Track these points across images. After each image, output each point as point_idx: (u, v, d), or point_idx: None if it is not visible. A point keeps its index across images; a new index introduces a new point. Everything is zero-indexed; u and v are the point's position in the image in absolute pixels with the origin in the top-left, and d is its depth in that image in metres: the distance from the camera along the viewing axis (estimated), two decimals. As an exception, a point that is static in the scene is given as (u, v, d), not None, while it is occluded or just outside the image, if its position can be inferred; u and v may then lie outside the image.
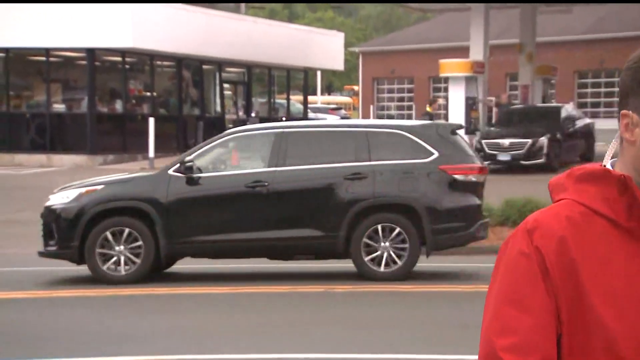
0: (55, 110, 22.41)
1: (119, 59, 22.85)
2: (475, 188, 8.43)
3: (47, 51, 22.11)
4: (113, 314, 7.27)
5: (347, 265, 9.56)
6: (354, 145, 8.35)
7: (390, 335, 6.37)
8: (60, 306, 7.59)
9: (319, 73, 41.66)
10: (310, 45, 29.00)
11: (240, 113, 27.45)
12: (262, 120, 27.49)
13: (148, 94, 23.95)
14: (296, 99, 31.62)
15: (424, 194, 8.24)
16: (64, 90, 22.91)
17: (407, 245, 8.23)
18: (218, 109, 26.78)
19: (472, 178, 8.39)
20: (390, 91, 47.08)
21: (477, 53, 22.37)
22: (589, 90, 40.74)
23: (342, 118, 34.17)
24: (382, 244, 8.26)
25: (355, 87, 63.35)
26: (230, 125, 27.04)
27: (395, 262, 8.28)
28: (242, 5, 29.18)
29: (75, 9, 21.43)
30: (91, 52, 21.88)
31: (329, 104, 42.64)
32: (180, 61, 24.64)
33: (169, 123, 24.46)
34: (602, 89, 40.53)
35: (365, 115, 45.90)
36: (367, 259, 8.25)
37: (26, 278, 8.99)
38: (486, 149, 19.15)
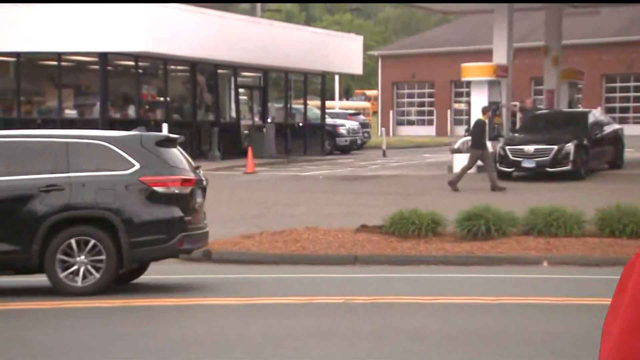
0: (67, 116, 22.58)
1: (131, 63, 23.01)
2: (178, 200, 8.47)
3: (58, 55, 22.30)
4: (125, 324, 7.31)
5: (367, 275, 9.55)
6: (52, 156, 8.35)
7: (414, 346, 6.37)
8: (70, 317, 7.64)
9: (337, 77, 41.73)
10: (328, 49, 29.05)
11: (256, 119, 27.53)
12: (278, 126, 27.68)
13: (161, 99, 24.09)
14: (313, 104, 31.67)
15: (122, 206, 8.29)
16: (76, 95, 23.10)
17: (104, 258, 8.26)
18: (233, 114, 26.88)
19: (175, 190, 8.43)
20: (411, 96, 47.07)
21: (500, 56, 22.32)
22: (617, 94, 40.51)
23: (361, 124, 34.17)
24: (78, 258, 8.27)
25: (367, 92, 63.31)
26: (246, 131, 27.21)
27: (92, 276, 8.29)
28: (258, 8, 29.30)
29: (88, 12, 21.60)
30: (103, 57, 22.04)
31: (347, 109, 42.66)
32: (195, 65, 24.76)
33: (183, 129, 24.56)
34: (631, 94, 40.28)
35: (385, 121, 45.92)
36: (62, 273, 8.25)
37: (37, 288, 9.06)
38: (510, 156, 19.07)
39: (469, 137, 21.96)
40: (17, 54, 22.53)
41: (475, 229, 10.88)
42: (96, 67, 22.42)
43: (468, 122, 23.18)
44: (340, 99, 46.30)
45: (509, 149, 19.21)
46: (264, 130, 26.85)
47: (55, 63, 22.52)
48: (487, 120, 17.67)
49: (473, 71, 21.84)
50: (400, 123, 47.13)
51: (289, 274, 9.70)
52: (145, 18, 21.67)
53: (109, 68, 22.63)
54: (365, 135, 34.54)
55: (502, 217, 11.00)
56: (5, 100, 23.44)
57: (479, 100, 21.71)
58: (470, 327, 7.01)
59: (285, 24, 30.53)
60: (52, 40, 21.79)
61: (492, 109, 21.82)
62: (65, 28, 21.70)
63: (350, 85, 68.96)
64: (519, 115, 24.93)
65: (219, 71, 25.92)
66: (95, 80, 22.52)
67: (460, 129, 40.70)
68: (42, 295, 8.41)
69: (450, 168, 21.49)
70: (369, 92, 62.99)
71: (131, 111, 23.10)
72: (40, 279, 9.37)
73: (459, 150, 21.50)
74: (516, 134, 20.44)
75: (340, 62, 29.83)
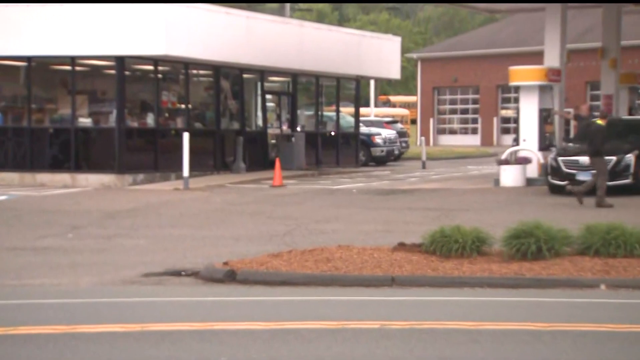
0: (81, 125, 22.84)
1: (150, 67, 23.22)
2: None
3: (72, 60, 22.58)
4: (142, 351, 7.34)
5: (405, 297, 9.51)
6: None
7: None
8: (82, 343, 7.69)
9: (372, 82, 41.80)
10: (363, 51, 29.11)
11: (285, 127, 27.63)
12: (308, 135, 27.74)
13: (182, 106, 24.28)
14: (347, 111, 31.73)
15: None
16: (91, 102, 23.36)
17: None
18: (260, 122, 27.00)
19: None
20: (453, 102, 46.99)
21: (552, 58, 22.20)
22: (683, 100, 40.02)
23: (399, 132, 34.13)
24: None
25: (392, 98, 63.06)
26: (273, 141, 27.32)
27: None
28: (287, 7, 29.47)
29: (104, 13, 21.85)
30: (120, 61, 22.28)
31: (383, 116, 42.65)
32: (218, 70, 24.94)
33: (206, 138, 24.75)
34: (698, 99, 39.77)
35: (424, 130, 45.81)
36: None
37: (49, 311, 9.14)
38: (563, 168, 18.93)
39: (518, 147, 21.85)
40: (27, 58, 22.85)
41: (525, 248, 10.78)
42: (112, 71, 22.66)
43: (516, 130, 23.03)
44: (376, 105, 46.27)
45: (562, 160, 19.07)
46: (293, 139, 26.93)
47: (68, 68, 22.79)
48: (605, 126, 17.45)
49: (522, 75, 21.74)
50: (441, 132, 47.02)
51: (320, 296, 9.69)
52: (165, 19, 21.88)
53: (126, 73, 22.85)
54: (403, 145, 34.52)
55: (555, 235, 10.89)
56: (15, 108, 23.75)
57: (528, 107, 21.59)
58: (519, 357, 6.93)
59: (316, 25, 30.63)
60: (66, 43, 22.07)
61: (544, 116, 21.69)
62: (79, 30, 21.97)
63: (387, 91, 68.97)
64: (573, 123, 24.71)
65: (245, 76, 26.06)
66: (112, 86, 22.76)
67: (508, 139, 40.48)
68: (53, 318, 8.48)
69: (496, 181, 21.37)
70: (393, 98, 62.82)
71: (150, 119, 23.30)
72: (50, 301, 9.44)
73: (506, 162, 21.37)
74: (570, 144, 20.28)
75: (376, 65, 29.86)
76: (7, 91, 24.20)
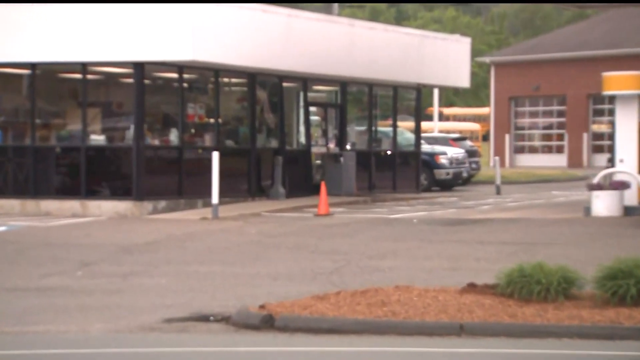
0: (93, 143, 23.14)
1: (174, 75, 23.49)
2: None
3: (83, 66, 22.93)
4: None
5: (477, 349, 9.44)
6: None
7: None
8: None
9: (436, 92, 41.82)
10: (425, 55, 29.14)
11: (332, 145, 27.71)
12: (359, 155, 27.80)
13: (211, 120, 24.49)
14: (405, 126, 31.73)
15: None
16: (105, 116, 23.67)
17: None
18: (302, 139, 27.12)
19: None
20: (534, 114, 46.77)
21: (654, 62, 21.94)
22: None
23: (468, 151, 34.03)
24: None
25: (445, 110, 62.90)
26: (318, 162, 27.42)
27: None
28: (335, 4, 29.65)
29: (120, 13, 22.18)
30: (139, 68, 22.57)
31: (449, 132, 42.58)
32: (254, 77, 25.14)
33: (239, 158, 24.92)
34: None
35: (499, 148, 45.63)
36: None
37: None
38: (668, 194, 18.68)
39: (614, 169, 21.61)
40: (31, 65, 23.24)
41: (623, 291, 10.66)
42: (130, 80, 22.96)
43: (611, 149, 22.79)
44: (440, 119, 46.24)
45: (667, 184, 18.82)
46: (342, 160, 26.99)
47: (79, 76, 23.14)
48: None
49: (619, 82, 21.56)
50: (519, 150, 46.77)
51: (373, 346, 9.67)
52: (192, 19, 22.14)
53: (146, 82, 23.14)
54: (473, 166, 34.39)
55: (659, 275, 10.75)
56: (17, 124, 24.13)
57: (626, 120, 21.38)
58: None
59: (369, 24, 30.75)
60: (75, 48, 22.42)
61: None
62: (91, 32, 22.31)
63: (454, 102, 68.94)
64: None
65: (285, 84, 26.24)
66: (129, 97, 23.04)
67: (601, 158, 40.09)
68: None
69: (587, 209, 21.16)
70: (447, 111, 62.65)
71: (173, 136, 23.54)
72: (56, 351, 9.53)
73: (599, 187, 21.15)
74: (676, 165, 20.01)
75: (440, 71, 29.85)
76: (8, 104, 24.61)
